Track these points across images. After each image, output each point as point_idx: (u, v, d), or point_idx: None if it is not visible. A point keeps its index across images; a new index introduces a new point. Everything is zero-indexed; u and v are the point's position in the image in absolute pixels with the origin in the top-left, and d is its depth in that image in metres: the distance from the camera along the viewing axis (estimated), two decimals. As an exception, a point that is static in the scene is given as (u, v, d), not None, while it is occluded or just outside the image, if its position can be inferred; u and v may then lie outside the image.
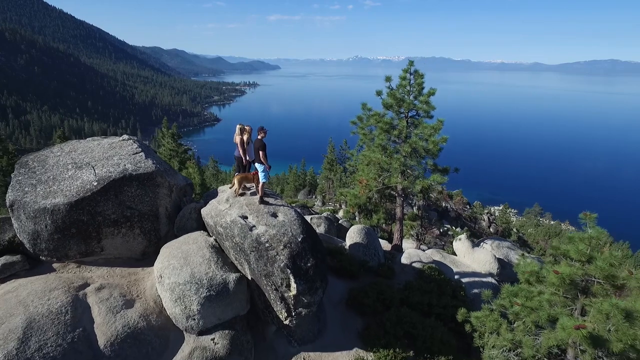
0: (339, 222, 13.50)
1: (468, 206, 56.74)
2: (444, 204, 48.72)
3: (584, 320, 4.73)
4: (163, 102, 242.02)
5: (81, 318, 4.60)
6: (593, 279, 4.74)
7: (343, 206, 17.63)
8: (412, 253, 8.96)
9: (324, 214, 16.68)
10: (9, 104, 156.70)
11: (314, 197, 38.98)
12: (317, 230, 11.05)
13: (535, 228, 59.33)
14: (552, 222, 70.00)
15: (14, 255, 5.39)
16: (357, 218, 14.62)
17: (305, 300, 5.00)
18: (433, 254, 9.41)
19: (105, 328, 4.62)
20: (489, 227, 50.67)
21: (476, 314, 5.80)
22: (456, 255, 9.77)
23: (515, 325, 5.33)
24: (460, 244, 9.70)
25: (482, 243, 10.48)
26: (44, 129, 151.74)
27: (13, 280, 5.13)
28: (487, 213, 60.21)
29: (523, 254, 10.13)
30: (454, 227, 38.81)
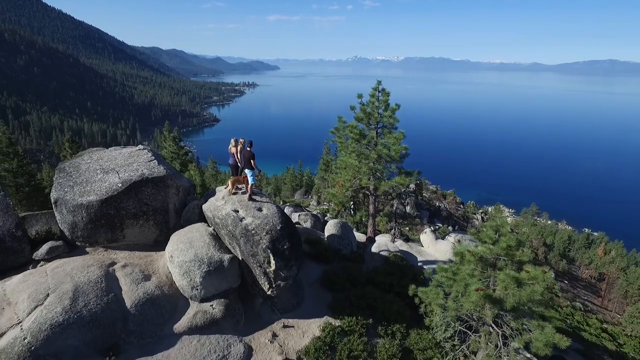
0: (325, 218, 14.99)
1: (462, 206, 58.02)
2: (437, 204, 49.99)
3: (494, 289, 6.20)
4: (162, 102, 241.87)
5: (112, 286, 6.10)
6: (499, 257, 6.21)
7: (331, 205, 19.15)
8: (381, 243, 10.48)
9: (315, 212, 18.20)
10: (8, 105, 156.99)
11: (310, 197, 40.43)
12: (304, 225, 12.58)
13: (530, 227, 60.57)
14: (548, 222, 70.95)
15: (56, 241, 6.89)
16: (343, 215, 16.12)
17: (283, 275, 6.51)
18: (401, 245, 10.92)
19: (130, 294, 6.12)
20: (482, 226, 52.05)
21: (422, 289, 7.28)
22: (423, 246, 11.25)
23: (450, 296, 6.80)
24: (426, 236, 11.20)
25: (446, 236, 11.96)
26: (44, 129, 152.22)
27: (57, 259, 6.62)
28: (481, 212, 61.79)
29: (475, 244, 11.67)
30: (445, 226, 40.22)
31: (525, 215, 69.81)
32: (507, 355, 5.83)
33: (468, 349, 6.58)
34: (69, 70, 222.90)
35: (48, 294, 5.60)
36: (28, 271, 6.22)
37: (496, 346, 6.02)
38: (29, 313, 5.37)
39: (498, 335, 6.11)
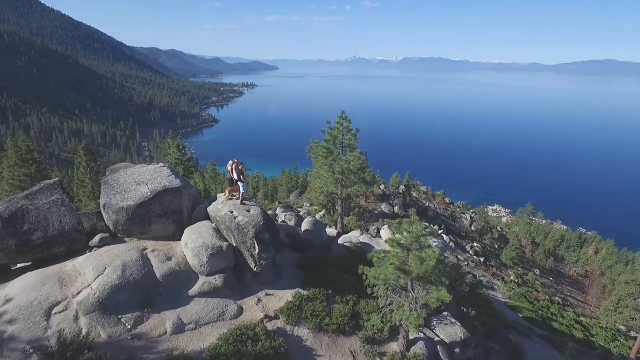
0: (303, 216, 17.81)
1: (451, 206, 60.68)
2: (427, 204, 52.66)
3: (410, 266, 8.94)
4: (161, 103, 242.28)
5: (146, 263, 8.90)
6: (412, 243, 8.98)
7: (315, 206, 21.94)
8: (346, 237, 13.29)
9: (304, 212, 20.96)
10: (8, 106, 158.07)
11: (304, 197, 43.11)
12: (289, 223, 15.37)
13: (523, 227, 62.74)
14: (542, 221, 72.90)
15: (104, 233, 9.69)
16: (325, 215, 18.94)
17: (264, 256, 9.33)
18: (364, 238, 13.73)
19: (158, 269, 8.92)
20: (470, 225, 54.91)
21: (367, 268, 10.07)
22: (382, 239, 14.05)
23: (381, 271, 9.55)
24: (384, 231, 14.01)
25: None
26: (44, 130, 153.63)
27: (106, 246, 9.41)
28: (472, 212, 64.25)
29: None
30: (431, 225, 42.89)
31: (520, 215, 71.78)
32: (416, 310, 8.59)
33: (394, 307, 9.37)
34: (68, 71, 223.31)
35: (105, 267, 8.40)
36: (89, 253, 9.02)
37: (410, 303, 8.79)
38: (95, 279, 8.16)
39: (412, 296, 8.88)
